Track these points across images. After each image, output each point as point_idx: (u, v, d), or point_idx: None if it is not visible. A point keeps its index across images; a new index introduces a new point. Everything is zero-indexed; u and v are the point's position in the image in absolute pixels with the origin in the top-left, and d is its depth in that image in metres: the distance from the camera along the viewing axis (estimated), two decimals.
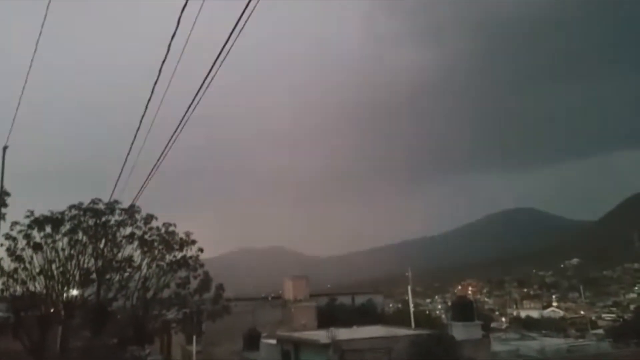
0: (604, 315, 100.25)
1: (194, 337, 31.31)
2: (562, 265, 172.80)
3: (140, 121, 10.01)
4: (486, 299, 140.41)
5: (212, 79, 7.50)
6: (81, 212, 26.92)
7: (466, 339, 20.80)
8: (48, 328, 26.16)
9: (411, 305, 39.31)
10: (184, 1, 6.80)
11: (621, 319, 69.57)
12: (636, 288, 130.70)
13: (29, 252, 25.88)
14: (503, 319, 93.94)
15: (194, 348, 31.38)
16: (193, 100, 8.28)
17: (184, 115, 8.84)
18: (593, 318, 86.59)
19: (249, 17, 6.29)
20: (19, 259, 25.72)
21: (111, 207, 27.23)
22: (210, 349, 34.34)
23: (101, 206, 27.28)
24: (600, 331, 54.19)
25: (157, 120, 10.42)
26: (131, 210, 27.39)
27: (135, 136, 10.52)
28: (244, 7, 6.16)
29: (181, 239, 28.85)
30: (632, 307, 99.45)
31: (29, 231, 25.94)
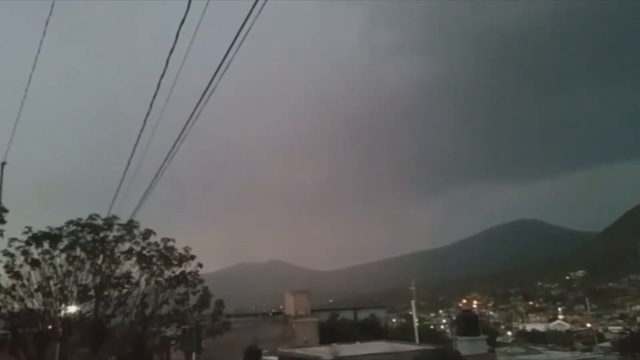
0: (610, 327, 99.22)
1: (194, 354, 30.81)
2: (567, 278, 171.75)
3: (139, 136, 9.95)
4: (491, 313, 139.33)
5: (211, 93, 7.43)
6: (79, 228, 26.72)
7: (471, 354, 20.34)
8: (46, 345, 25.83)
9: (415, 320, 38.87)
10: (182, 16, 6.75)
11: (628, 331, 68.72)
12: None
13: (27, 268, 25.65)
14: (509, 333, 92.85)
15: None
16: (192, 115, 8.20)
17: (182, 132, 8.80)
18: (600, 330, 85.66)
19: (248, 31, 6.25)
20: (16, 275, 25.48)
21: (109, 222, 27.04)
22: None
23: (99, 222, 27.08)
24: (607, 344, 53.52)
25: (155, 135, 10.35)
26: (129, 226, 27.19)
27: (133, 151, 10.45)
28: (243, 20, 6.13)
29: (180, 254, 28.59)
30: (638, 319, 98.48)
31: (27, 247, 25.73)
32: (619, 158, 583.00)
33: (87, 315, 27.17)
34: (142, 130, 9.93)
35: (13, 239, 25.67)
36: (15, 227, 25.48)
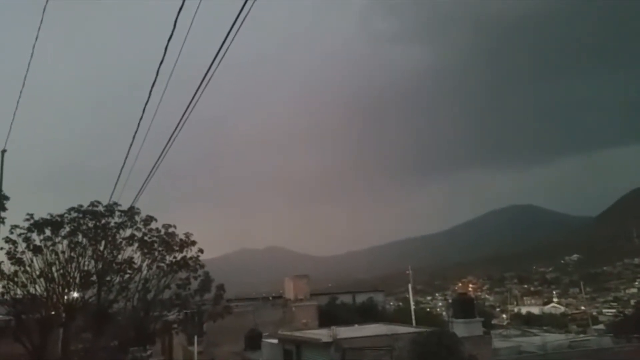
0: (604, 310, 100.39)
1: (195, 338, 31.32)
2: (562, 261, 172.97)
3: (139, 123, 9.98)
4: (487, 296, 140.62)
5: (209, 80, 7.49)
6: (80, 215, 26.90)
7: (467, 336, 20.75)
8: (49, 331, 26.13)
9: (412, 303, 39.27)
10: (181, 3, 6.78)
11: (622, 314, 69.59)
12: (636, 283, 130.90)
13: (29, 255, 25.87)
14: (504, 316, 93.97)
15: (195, 349, 31.37)
16: (191, 101, 8.27)
17: (182, 117, 8.83)
18: (594, 313, 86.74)
19: (244, 18, 6.29)
20: (19, 262, 25.70)
21: (110, 209, 27.24)
22: (212, 349, 34.31)
23: (100, 208, 27.27)
24: (601, 326, 54.27)
25: (155, 122, 10.42)
26: (131, 212, 27.40)
27: (133, 138, 10.51)
28: (239, 8, 6.16)
29: (181, 240, 28.85)
30: (632, 302, 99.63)
31: (29, 234, 25.92)
32: (614, 143, 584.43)
33: (90, 300, 27.50)
34: (141, 118, 10.03)
35: (15, 226, 25.86)
36: (16, 214, 25.71)
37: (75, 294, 26.79)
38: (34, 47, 11.75)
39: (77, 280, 26.56)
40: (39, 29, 11.03)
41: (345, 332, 21.19)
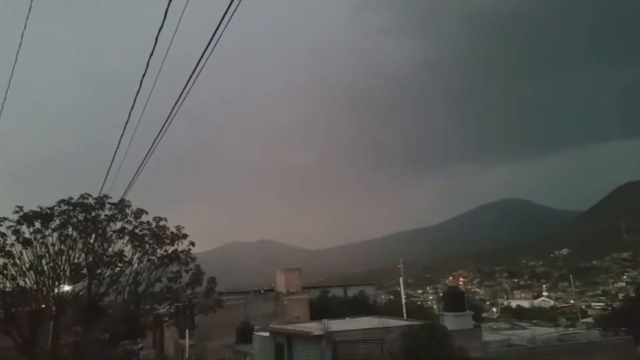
0: (593, 304, 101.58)
1: (187, 331, 31.33)
2: (552, 256, 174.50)
3: (129, 115, 9.88)
4: (477, 290, 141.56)
5: (200, 71, 7.40)
6: (71, 207, 26.72)
7: (457, 329, 20.90)
8: (39, 324, 26.02)
9: (403, 297, 39.40)
10: None
11: (610, 308, 70.63)
12: (625, 277, 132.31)
13: (18, 247, 25.66)
14: (494, 309, 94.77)
15: (186, 342, 31.40)
16: (181, 93, 8.18)
17: (172, 109, 8.73)
18: (583, 307, 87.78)
19: (236, 8, 6.22)
20: (8, 254, 25.49)
21: (101, 201, 27.06)
22: (203, 342, 34.32)
23: (91, 201, 27.10)
24: (590, 320, 54.93)
25: (146, 114, 10.31)
26: (121, 205, 27.25)
27: (124, 130, 10.40)
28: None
29: (172, 233, 28.74)
30: (620, 295, 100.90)
31: (18, 227, 25.71)
32: (603, 138, 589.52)
33: (80, 293, 27.38)
34: (132, 108, 9.92)
35: (4, 218, 25.68)
36: (5, 207, 25.51)
37: (66, 287, 26.63)
38: (22, 35, 11.53)
39: (68, 273, 26.41)
40: (27, 17, 10.83)
41: (336, 325, 21.25)
